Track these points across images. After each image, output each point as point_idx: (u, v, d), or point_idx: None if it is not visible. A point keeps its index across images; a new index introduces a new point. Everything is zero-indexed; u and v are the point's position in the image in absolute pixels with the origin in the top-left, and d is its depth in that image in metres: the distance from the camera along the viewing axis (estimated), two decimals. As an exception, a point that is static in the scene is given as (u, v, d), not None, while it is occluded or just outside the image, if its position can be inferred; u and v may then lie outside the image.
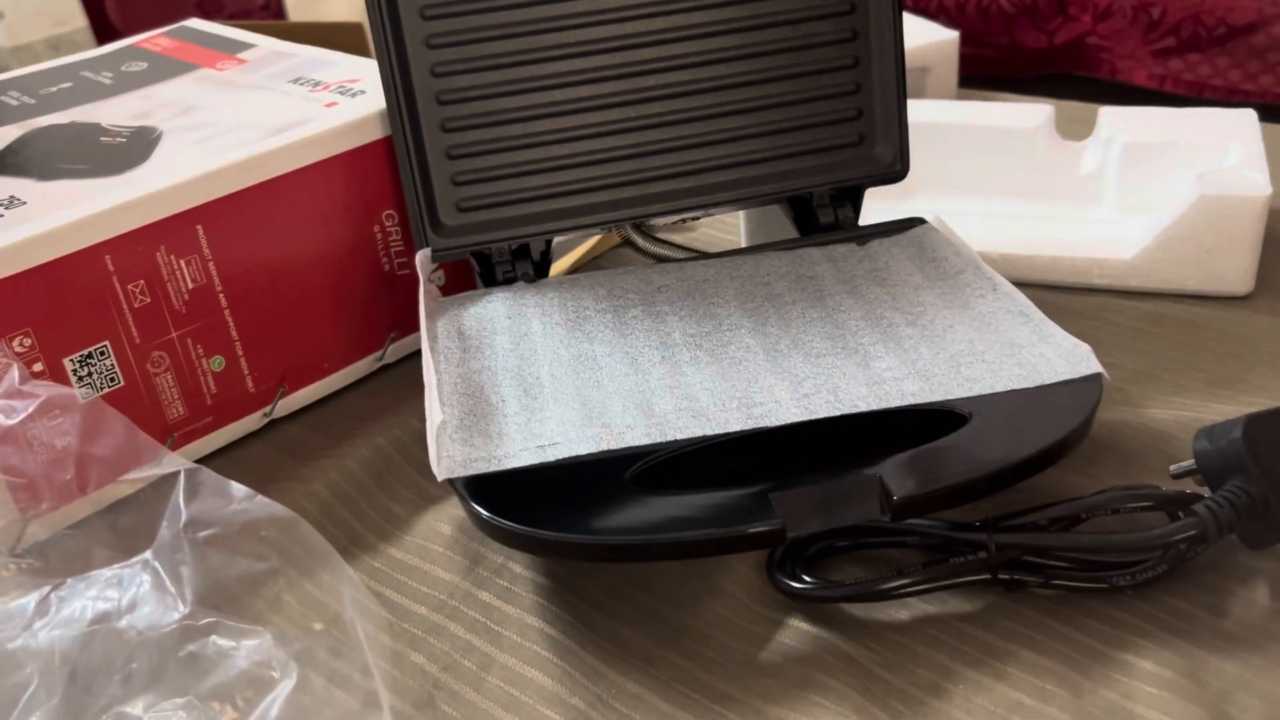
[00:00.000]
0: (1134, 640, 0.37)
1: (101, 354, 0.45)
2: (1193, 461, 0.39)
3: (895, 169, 0.52)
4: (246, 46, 0.60)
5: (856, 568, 0.40)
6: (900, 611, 0.39)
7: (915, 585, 0.38)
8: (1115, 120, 0.60)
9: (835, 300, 0.48)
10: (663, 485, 0.38)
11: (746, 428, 0.40)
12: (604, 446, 0.40)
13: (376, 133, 0.50)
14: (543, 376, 0.44)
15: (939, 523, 0.39)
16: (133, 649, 0.35)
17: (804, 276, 0.49)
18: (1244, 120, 0.58)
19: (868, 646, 0.37)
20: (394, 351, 0.54)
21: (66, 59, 0.62)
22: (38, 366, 0.43)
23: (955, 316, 0.45)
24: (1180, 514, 0.38)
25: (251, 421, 0.50)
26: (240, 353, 0.49)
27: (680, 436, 0.40)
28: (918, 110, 0.61)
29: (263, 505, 0.38)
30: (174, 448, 0.47)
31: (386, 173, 0.51)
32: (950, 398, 0.41)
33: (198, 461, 0.45)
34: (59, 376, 0.44)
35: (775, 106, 0.51)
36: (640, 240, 0.60)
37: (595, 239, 0.63)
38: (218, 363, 0.48)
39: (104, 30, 1.35)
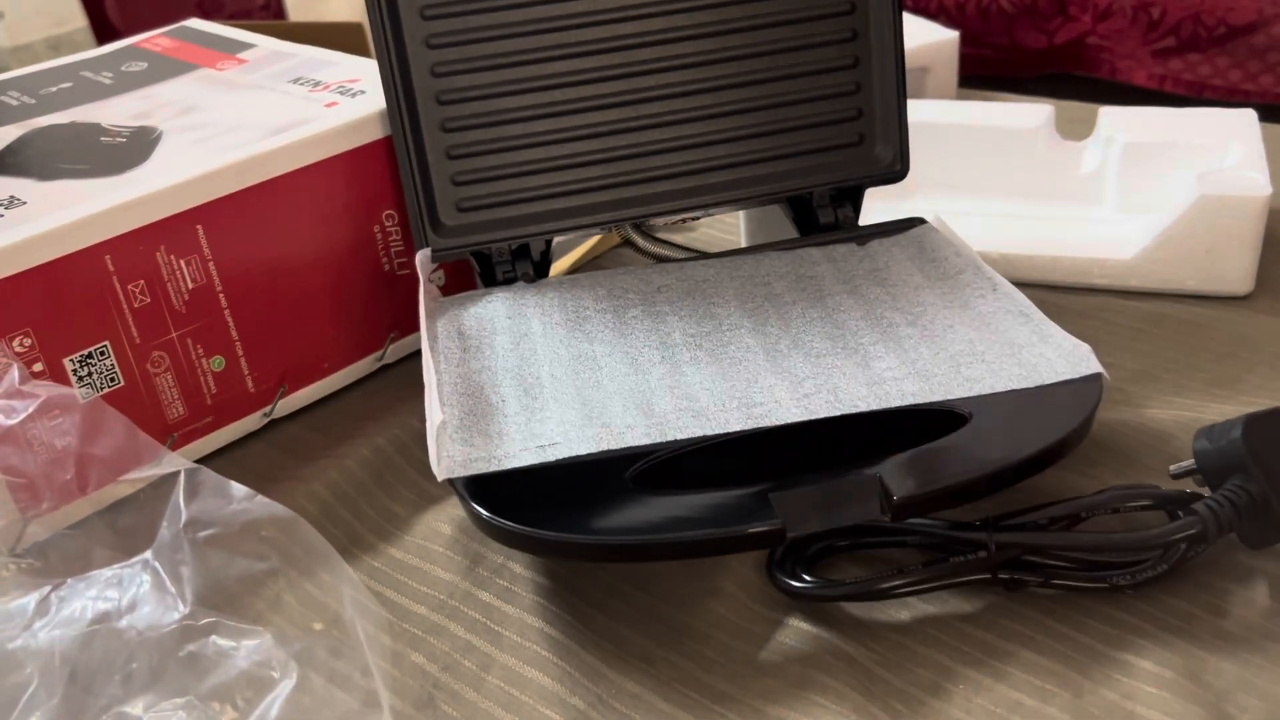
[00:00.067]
0: (1134, 640, 0.37)
1: (101, 354, 0.45)
2: (1192, 461, 0.39)
3: (895, 169, 0.52)
4: (246, 46, 0.61)
5: (856, 567, 0.40)
6: (900, 611, 0.39)
7: (915, 584, 0.38)
8: (1115, 120, 0.60)
9: (835, 300, 0.48)
10: (663, 485, 0.38)
11: (746, 428, 0.40)
12: (604, 446, 0.40)
13: (376, 133, 0.50)
14: (543, 376, 0.44)
15: (939, 522, 0.39)
16: (133, 649, 0.35)
17: (804, 276, 0.49)
18: (1244, 120, 0.58)
19: (868, 646, 0.37)
20: (394, 351, 0.54)
21: (66, 59, 0.62)
22: (38, 366, 0.43)
23: (955, 316, 0.46)
24: (1180, 513, 0.38)
25: (251, 421, 0.50)
26: (240, 353, 0.49)
27: (680, 436, 0.40)
28: (918, 110, 0.61)
29: (263, 505, 0.38)
30: (174, 448, 0.47)
31: (386, 173, 0.51)
32: (950, 398, 0.41)
33: (198, 461, 0.45)
34: (59, 376, 0.44)
35: (775, 106, 0.51)
36: (640, 240, 0.60)
37: (595, 239, 0.63)
38: (218, 363, 0.48)
39: (104, 30, 1.35)
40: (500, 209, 0.50)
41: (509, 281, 0.50)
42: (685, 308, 0.48)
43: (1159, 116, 0.60)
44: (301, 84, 0.54)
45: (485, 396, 0.43)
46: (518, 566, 0.42)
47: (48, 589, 0.37)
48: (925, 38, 0.73)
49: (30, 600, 0.36)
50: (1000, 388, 0.41)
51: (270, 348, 0.49)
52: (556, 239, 0.52)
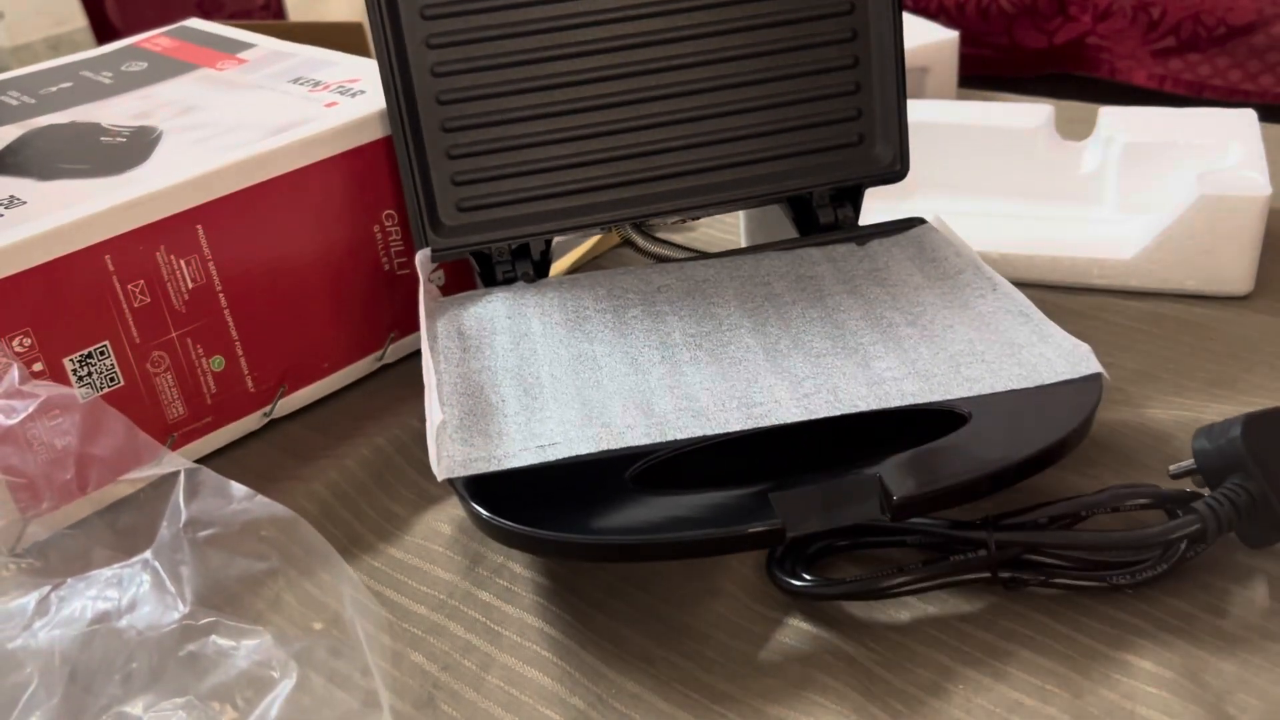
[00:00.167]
0: (1134, 640, 0.37)
1: (101, 354, 0.45)
2: (1192, 461, 0.39)
3: (895, 169, 0.52)
4: (246, 46, 0.61)
5: (856, 567, 0.40)
6: (900, 611, 0.39)
7: (915, 583, 0.38)
8: (1115, 120, 0.60)
9: (835, 300, 0.48)
10: (663, 485, 0.38)
11: (746, 428, 0.40)
12: (604, 446, 0.40)
13: (376, 133, 0.50)
14: (543, 376, 0.44)
15: (939, 521, 0.39)
16: (133, 649, 0.35)
17: (804, 276, 0.49)
18: (1244, 120, 0.58)
19: (868, 646, 0.37)
20: (394, 351, 0.54)
21: (66, 59, 0.62)
22: (38, 366, 0.43)
23: (955, 316, 0.46)
24: (1179, 512, 0.38)
25: (251, 421, 0.50)
26: (240, 352, 0.49)
27: (680, 436, 0.40)
28: (918, 110, 0.61)
29: (263, 505, 0.38)
30: (174, 447, 0.47)
31: (386, 173, 0.51)
32: (950, 398, 0.41)
33: (198, 461, 0.45)
34: (59, 376, 0.44)
35: (775, 106, 0.51)
36: (640, 240, 0.60)
37: (595, 239, 0.63)
38: (218, 362, 0.48)
39: (104, 30, 1.35)
40: (500, 209, 0.50)
41: (509, 281, 0.50)
42: (685, 308, 0.48)
43: (1159, 116, 0.60)
44: (301, 84, 0.54)
45: (485, 396, 0.43)
46: (517, 566, 0.42)
47: (48, 589, 0.37)
48: (925, 38, 0.73)
49: (30, 600, 0.36)
50: (1000, 388, 0.41)
51: (270, 347, 0.49)
52: (556, 239, 0.52)
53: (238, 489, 0.38)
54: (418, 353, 0.53)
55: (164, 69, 0.58)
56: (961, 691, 0.36)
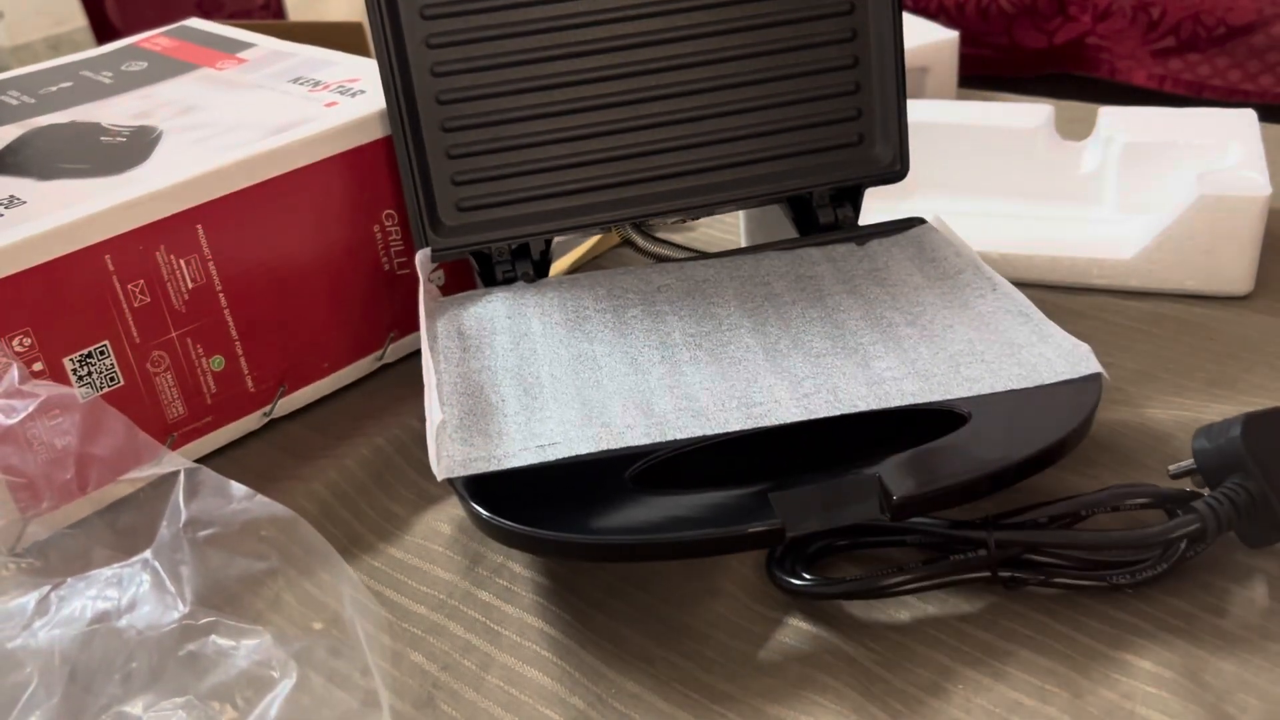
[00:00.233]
0: (1133, 640, 0.37)
1: (101, 353, 0.45)
2: (1191, 461, 0.39)
3: (895, 169, 0.52)
4: (246, 46, 0.61)
5: (856, 567, 0.40)
6: (900, 611, 0.39)
7: (915, 582, 0.38)
8: (1115, 120, 0.60)
9: (835, 300, 0.48)
10: (662, 485, 0.38)
11: (746, 427, 0.40)
12: (604, 446, 0.40)
13: (376, 133, 0.50)
14: (542, 376, 0.44)
15: (938, 521, 0.39)
16: (132, 648, 0.35)
17: (804, 276, 0.49)
18: (1244, 120, 0.58)
19: (867, 646, 0.37)
20: (394, 351, 0.54)
21: (66, 58, 0.62)
22: (37, 366, 0.43)
23: (955, 316, 0.46)
24: (1179, 512, 0.38)
25: (251, 421, 0.50)
26: (240, 352, 0.49)
27: (680, 436, 0.40)
28: (917, 110, 0.61)
29: (262, 505, 0.38)
30: (174, 447, 0.47)
31: (386, 173, 0.51)
32: (950, 397, 0.41)
33: (197, 461, 0.45)
34: (59, 376, 0.44)
35: (775, 106, 0.51)
36: (640, 240, 0.60)
37: (595, 239, 0.63)
38: (217, 362, 0.48)
39: (104, 30, 1.35)
40: (500, 209, 0.50)
41: (509, 281, 0.50)
42: (685, 307, 0.48)
43: (1159, 116, 0.60)
44: (301, 84, 0.54)
45: (485, 396, 0.43)
46: (517, 566, 0.42)
47: (47, 588, 0.37)
48: (925, 38, 0.73)
49: (30, 600, 0.36)
50: (1000, 387, 0.41)
51: (270, 347, 0.50)
52: (556, 239, 0.52)
53: (237, 489, 0.38)
54: (417, 353, 0.53)
55: (164, 69, 0.58)
56: (961, 691, 0.36)
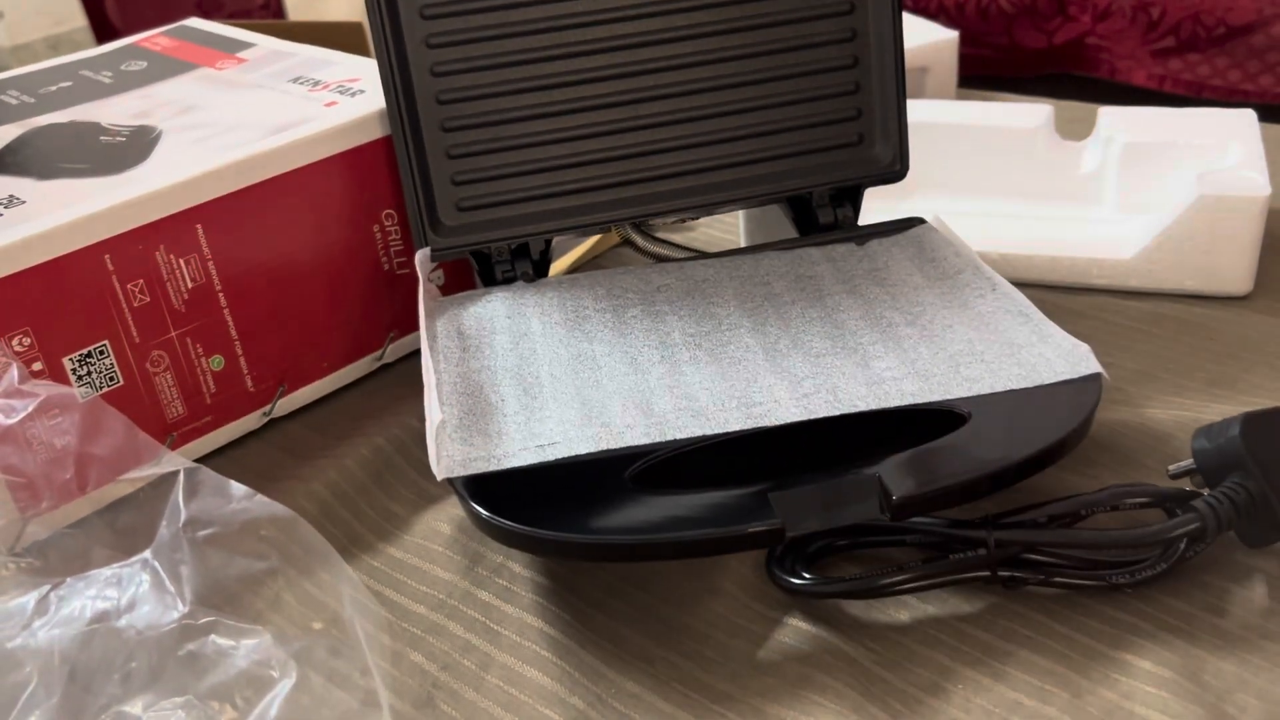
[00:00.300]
0: (1133, 640, 0.37)
1: (101, 353, 0.45)
2: (1191, 461, 0.39)
3: (895, 169, 0.52)
4: (246, 46, 0.61)
5: (856, 566, 0.40)
6: (899, 611, 0.39)
7: (914, 581, 0.38)
8: (1115, 120, 0.60)
9: (835, 300, 0.48)
10: (662, 485, 0.38)
11: (746, 427, 0.40)
12: (603, 446, 0.40)
13: (376, 132, 0.50)
14: (542, 376, 0.44)
15: (938, 520, 0.39)
16: (132, 648, 0.35)
17: (803, 276, 0.49)
18: (1243, 120, 0.58)
19: (867, 646, 0.37)
20: (393, 351, 0.54)
21: (66, 58, 0.62)
22: (37, 366, 0.43)
23: (955, 316, 0.46)
24: (1179, 511, 0.38)
25: (251, 421, 0.50)
26: (239, 352, 0.49)
27: (680, 436, 0.40)
28: (917, 110, 0.61)
29: (262, 504, 0.38)
30: (173, 447, 0.47)
31: (386, 172, 0.51)
32: (949, 397, 0.41)
33: (197, 461, 0.45)
34: (58, 376, 0.44)
35: (775, 106, 0.51)
36: (640, 240, 0.60)
37: (595, 239, 0.63)
38: (217, 362, 0.48)
39: (104, 30, 1.35)
40: (500, 209, 0.50)
41: (508, 281, 0.50)
42: (685, 307, 0.48)
43: (1159, 116, 0.60)
44: (301, 83, 0.54)
45: (485, 396, 0.43)
46: (517, 566, 0.42)
47: (47, 588, 0.37)
48: (925, 38, 0.73)
49: (30, 599, 0.36)
50: (999, 387, 0.41)
51: (269, 347, 0.50)
52: (556, 239, 0.52)
53: (237, 488, 0.38)
54: (417, 352, 0.53)
55: (164, 68, 0.58)
56: (960, 691, 0.36)
